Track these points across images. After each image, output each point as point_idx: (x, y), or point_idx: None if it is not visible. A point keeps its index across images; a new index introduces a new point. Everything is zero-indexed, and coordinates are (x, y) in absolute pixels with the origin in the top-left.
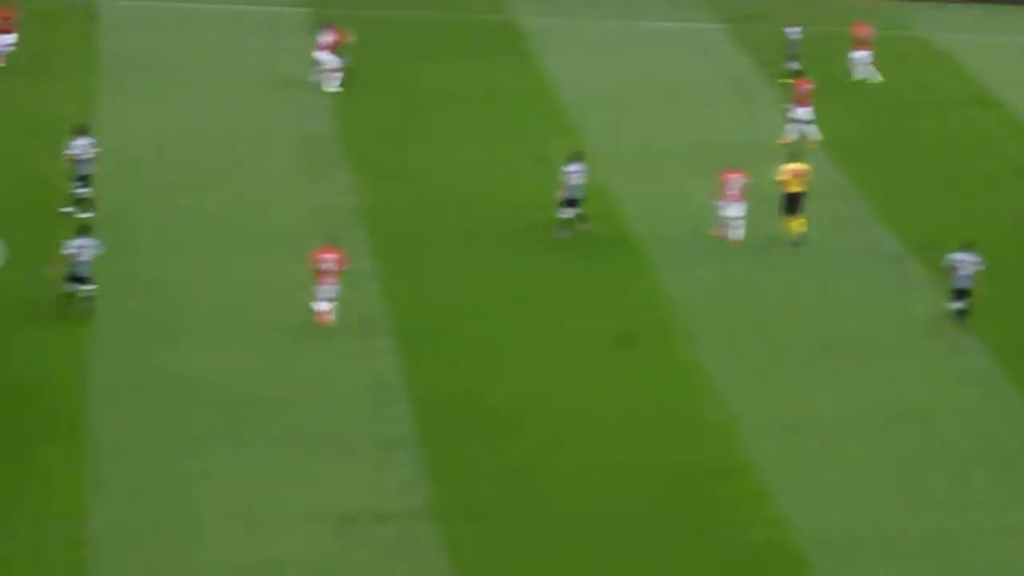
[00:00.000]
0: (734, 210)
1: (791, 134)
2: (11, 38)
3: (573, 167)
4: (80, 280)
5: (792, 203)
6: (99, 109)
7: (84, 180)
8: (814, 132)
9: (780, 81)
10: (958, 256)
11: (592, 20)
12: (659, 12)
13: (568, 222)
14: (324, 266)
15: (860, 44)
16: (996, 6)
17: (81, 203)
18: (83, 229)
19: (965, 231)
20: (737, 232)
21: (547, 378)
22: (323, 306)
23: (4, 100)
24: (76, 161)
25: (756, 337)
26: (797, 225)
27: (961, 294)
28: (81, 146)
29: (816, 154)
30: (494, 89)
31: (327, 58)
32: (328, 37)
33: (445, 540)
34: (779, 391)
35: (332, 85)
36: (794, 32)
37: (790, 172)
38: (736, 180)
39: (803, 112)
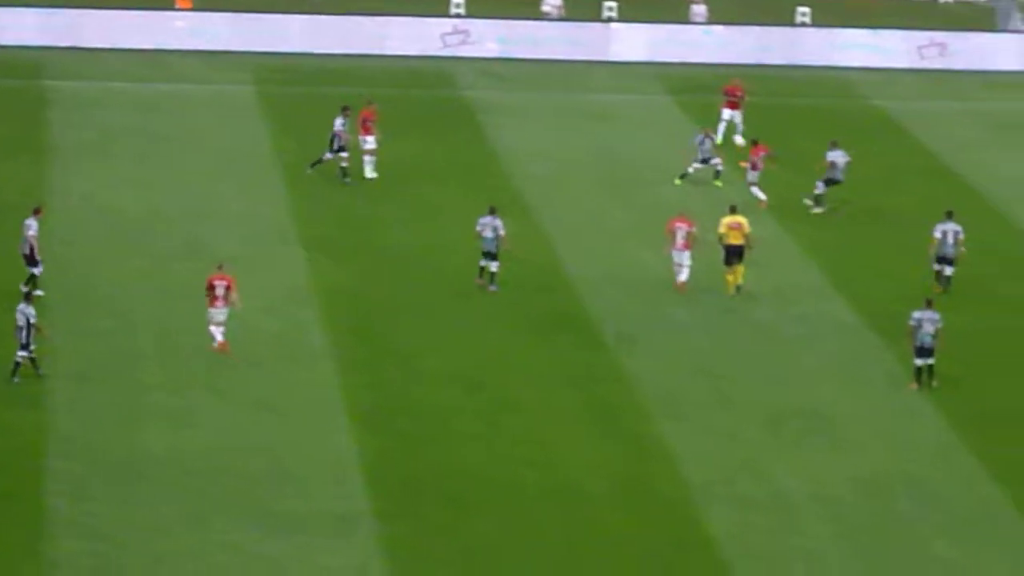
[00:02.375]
0: (683, 257)
1: (758, 195)
2: None
3: (484, 220)
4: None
5: (732, 255)
6: (51, 189)
7: (33, 258)
8: (760, 194)
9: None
10: (918, 314)
11: (541, 94)
12: (606, 84)
13: (485, 272)
14: (217, 291)
15: (731, 104)
16: (944, 73)
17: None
18: (27, 296)
19: (916, 299)
20: (682, 275)
21: (505, 453)
22: (218, 335)
23: None
24: (28, 239)
25: (712, 409)
26: (737, 276)
27: (924, 352)
28: (32, 225)
29: (766, 219)
30: (446, 163)
31: (368, 140)
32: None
33: None
34: (736, 463)
35: (370, 170)
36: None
37: (728, 225)
38: (682, 228)
39: (753, 175)
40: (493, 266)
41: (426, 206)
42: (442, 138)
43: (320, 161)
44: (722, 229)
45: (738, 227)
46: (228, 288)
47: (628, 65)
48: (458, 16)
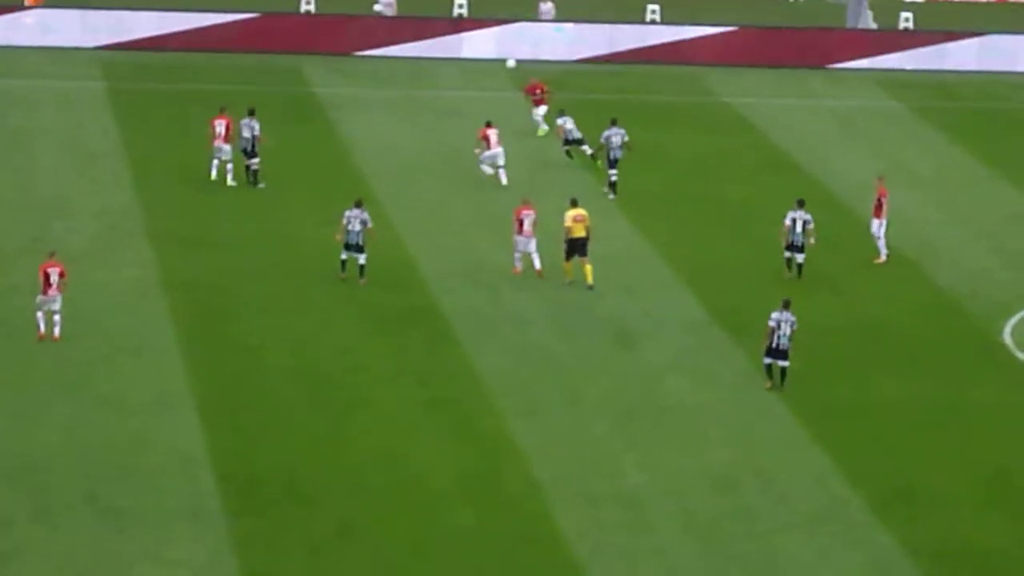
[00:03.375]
0: (531, 245)
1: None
2: None
3: (351, 212)
4: None
5: (575, 247)
6: None
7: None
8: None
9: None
10: (777, 315)
11: (386, 90)
12: (453, 81)
13: (350, 264)
14: (51, 279)
15: (538, 101)
16: (791, 70)
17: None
18: None
19: (770, 294)
20: (537, 263)
21: (352, 450)
22: (43, 325)
23: None
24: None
25: (561, 405)
26: (586, 273)
27: (779, 353)
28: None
29: (615, 213)
30: (296, 157)
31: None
32: (222, 125)
33: None
34: (585, 459)
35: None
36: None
37: (572, 218)
38: (529, 215)
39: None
40: (361, 259)
41: (273, 200)
42: (293, 133)
43: (251, 171)
44: (567, 223)
45: (582, 219)
46: (61, 275)
47: (478, 62)
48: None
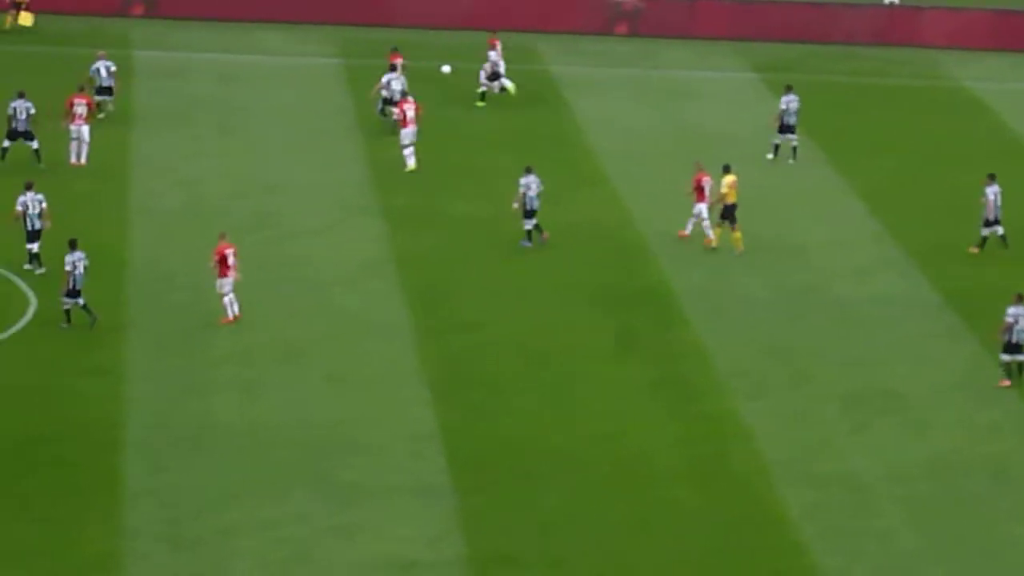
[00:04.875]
0: (704, 210)
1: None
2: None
3: (525, 179)
4: (75, 294)
5: (728, 213)
6: (133, 158)
7: (36, 235)
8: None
9: None
10: (1014, 310)
11: (624, 70)
12: (690, 62)
13: (529, 233)
14: (229, 260)
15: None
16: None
17: (34, 259)
18: (73, 242)
19: (1006, 280)
20: (710, 232)
21: (578, 428)
22: (232, 309)
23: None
24: (27, 215)
25: (788, 387)
26: (738, 237)
27: (1017, 348)
28: (31, 199)
29: (849, 197)
30: (529, 135)
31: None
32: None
33: None
34: (811, 442)
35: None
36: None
37: (729, 184)
38: (708, 181)
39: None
40: (532, 223)
41: (502, 177)
42: (526, 112)
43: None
44: (724, 188)
45: (735, 186)
46: (235, 256)
47: (711, 42)
48: None
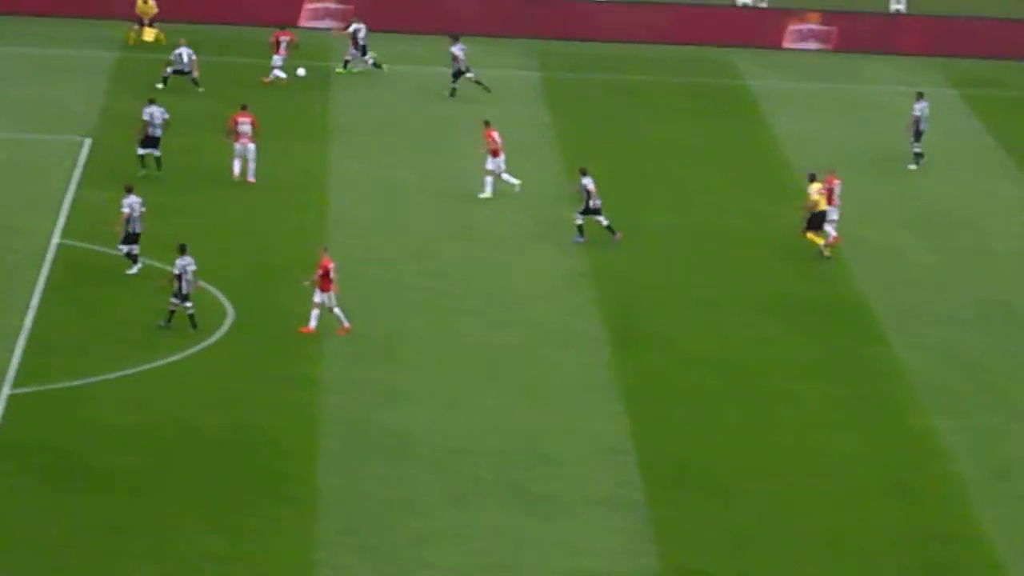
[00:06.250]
0: (835, 214)
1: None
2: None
3: (585, 180)
4: (183, 298)
5: (819, 220)
6: (329, 170)
7: (135, 237)
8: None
9: None
10: None
11: (819, 84)
12: (885, 76)
13: (581, 228)
14: (331, 275)
15: (277, 48)
16: None
17: (131, 259)
18: (183, 247)
19: None
20: (832, 233)
21: (773, 443)
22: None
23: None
24: (130, 218)
25: (986, 406)
26: (820, 239)
27: None
28: (132, 203)
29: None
30: (725, 148)
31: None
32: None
33: None
34: (1010, 459)
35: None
36: None
37: (818, 191)
38: (838, 185)
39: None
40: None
41: (699, 190)
42: (723, 125)
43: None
44: (814, 196)
45: (823, 192)
46: (335, 271)
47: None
48: None
